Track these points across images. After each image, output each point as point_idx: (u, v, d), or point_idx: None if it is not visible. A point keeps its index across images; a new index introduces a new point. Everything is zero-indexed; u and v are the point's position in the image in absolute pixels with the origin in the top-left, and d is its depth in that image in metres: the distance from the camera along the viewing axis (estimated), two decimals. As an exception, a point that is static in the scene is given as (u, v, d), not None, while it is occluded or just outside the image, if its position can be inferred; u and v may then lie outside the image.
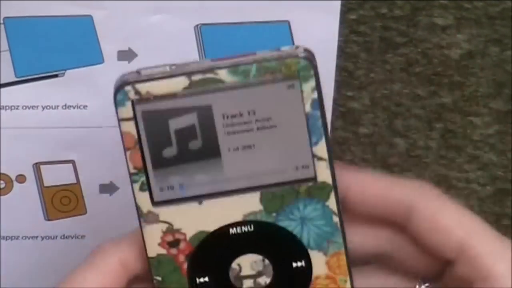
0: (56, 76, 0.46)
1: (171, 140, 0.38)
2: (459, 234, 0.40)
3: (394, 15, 0.48)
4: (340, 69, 0.48)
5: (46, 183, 0.48)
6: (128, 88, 0.37)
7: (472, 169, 0.51)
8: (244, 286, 0.40)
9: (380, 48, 0.48)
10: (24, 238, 0.49)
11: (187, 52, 0.46)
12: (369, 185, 0.40)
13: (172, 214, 0.39)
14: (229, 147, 0.38)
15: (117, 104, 0.38)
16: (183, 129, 0.38)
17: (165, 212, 0.39)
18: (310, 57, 0.37)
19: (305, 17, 0.46)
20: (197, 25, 0.46)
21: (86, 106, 0.47)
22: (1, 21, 0.45)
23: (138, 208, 0.38)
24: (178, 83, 0.37)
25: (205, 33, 0.46)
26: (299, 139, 0.38)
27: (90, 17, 0.45)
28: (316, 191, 0.39)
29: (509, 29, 0.48)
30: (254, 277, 0.40)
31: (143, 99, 0.37)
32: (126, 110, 0.37)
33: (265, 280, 0.40)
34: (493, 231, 0.40)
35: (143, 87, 0.37)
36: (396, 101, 0.49)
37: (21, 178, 0.48)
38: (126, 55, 0.46)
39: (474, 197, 0.51)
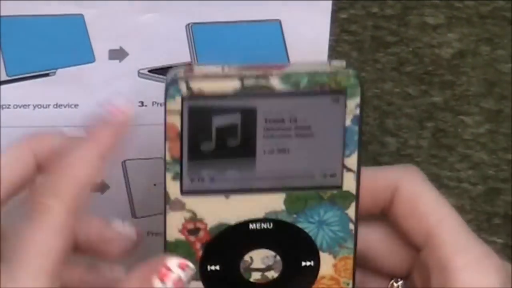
0: (47, 75, 0.46)
1: (211, 136, 0.40)
2: (430, 221, 0.41)
3: (385, 14, 0.48)
4: (331, 68, 0.48)
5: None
6: (181, 83, 0.39)
7: (463, 168, 0.51)
8: (252, 277, 0.42)
9: (371, 47, 0.48)
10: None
11: (179, 51, 0.46)
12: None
13: (198, 204, 0.41)
14: (264, 149, 0.40)
15: (167, 96, 0.39)
16: (225, 127, 0.40)
17: (191, 202, 0.40)
18: (359, 76, 0.39)
19: (296, 16, 0.46)
20: (188, 24, 0.46)
21: (77, 105, 0.46)
22: (-8, 20, 0.45)
23: (166, 194, 0.40)
24: (230, 85, 0.39)
25: (196, 32, 0.46)
26: (333, 148, 0.40)
27: (81, 16, 0.45)
28: (339, 199, 0.41)
29: (500, 28, 0.48)
30: (263, 270, 0.42)
31: (193, 95, 0.38)
32: (175, 103, 0.39)
33: (272, 274, 0.42)
34: (464, 224, 0.41)
35: (196, 85, 0.38)
36: (387, 100, 0.49)
37: (12, 177, 0.48)
38: (118, 54, 0.46)
39: (466, 196, 0.51)
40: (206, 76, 0.39)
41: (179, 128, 0.39)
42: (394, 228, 0.42)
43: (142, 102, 0.47)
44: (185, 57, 0.46)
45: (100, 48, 0.46)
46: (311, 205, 0.41)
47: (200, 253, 0.41)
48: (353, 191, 0.41)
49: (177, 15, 0.45)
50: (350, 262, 0.42)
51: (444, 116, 0.50)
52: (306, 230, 0.41)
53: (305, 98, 0.39)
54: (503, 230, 0.52)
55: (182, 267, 0.39)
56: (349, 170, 0.40)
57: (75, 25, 0.45)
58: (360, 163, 0.40)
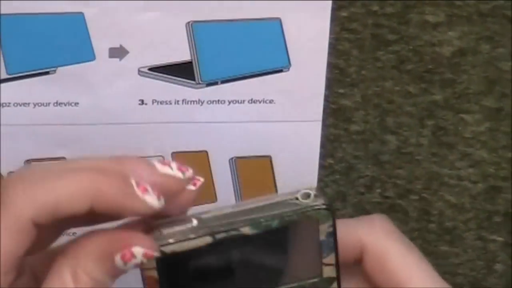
0: (47, 73, 0.46)
1: (190, 282, 0.40)
2: (400, 278, 0.42)
3: (386, 13, 0.48)
4: (332, 67, 0.48)
5: (37, 180, 0.48)
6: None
7: (464, 166, 0.51)
8: None
9: (371, 45, 0.48)
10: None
11: (179, 49, 0.46)
12: None
13: None
14: (243, 282, 0.41)
15: None
16: (203, 274, 0.40)
17: None
18: (329, 206, 0.40)
19: (296, 14, 0.46)
20: (188, 22, 0.46)
21: (78, 103, 0.47)
22: (-8, 18, 0.45)
23: None
24: (202, 241, 0.39)
25: (196, 30, 0.46)
26: (311, 257, 0.41)
27: (81, 14, 0.45)
28: (321, 283, 0.41)
29: (501, 26, 0.48)
30: None
31: (166, 256, 0.39)
32: (150, 262, 0.39)
33: None
34: (435, 275, 0.43)
35: (168, 249, 0.39)
36: (387, 98, 0.49)
37: (12, 175, 0.48)
38: (118, 52, 0.46)
39: (466, 194, 0.51)
40: (178, 240, 0.39)
41: (157, 278, 0.40)
42: (367, 280, 0.42)
43: (142, 100, 0.47)
44: (186, 55, 0.46)
45: (101, 46, 0.46)
46: None
47: None
48: (334, 275, 0.41)
49: (178, 13, 0.45)
50: None
51: (444, 114, 0.50)
52: None
53: (279, 234, 0.40)
54: (503, 228, 0.52)
55: (146, 257, 0.38)
56: (328, 265, 0.41)
57: (75, 24, 0.45)
58: (338, 257, 0.41)
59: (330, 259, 0.41)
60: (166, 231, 0.39)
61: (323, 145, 0.49)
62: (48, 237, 0.39)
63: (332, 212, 0.40)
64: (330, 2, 0.46)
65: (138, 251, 0.37)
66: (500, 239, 0.52)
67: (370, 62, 0.49)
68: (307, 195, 0.40)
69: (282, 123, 0.48)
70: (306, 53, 0.46)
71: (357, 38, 0.48)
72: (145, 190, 0.37)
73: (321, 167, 0.50)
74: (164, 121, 0.48)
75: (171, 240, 0.39)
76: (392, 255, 0.42)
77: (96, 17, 0.45)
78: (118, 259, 0.37)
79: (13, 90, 0.46)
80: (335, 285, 0.41)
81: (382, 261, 0.42)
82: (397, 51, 0.48)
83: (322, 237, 0.41)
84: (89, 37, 0.45)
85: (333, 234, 0.40)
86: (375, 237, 0.42)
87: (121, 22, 0.45)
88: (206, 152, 0.49)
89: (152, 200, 0.37)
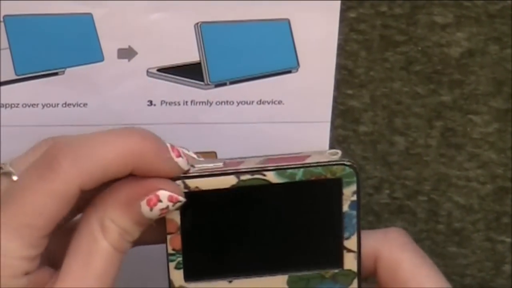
0: (56, 74, 0.46)
1: (211, 227, 0.41)
2: (411, 286, 0.42)
3: (394, 13, 0.48)
4: (340, 67, 0.48)
5: (46, 181, 0.48)
6: (178, 182, 0.39)
7: (472, 167, 0.51)
8: None
9: (380, 46, 0.48)
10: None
11: (187, 50, 0.46)
12: None
13: None
14: (265, 236, 0.41)
15: None
16: (224, 219, 0.41)
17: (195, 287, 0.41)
18: (353, 165, 0.40)
19: (305, 15, 0.46)
20: (197, 23, 0.46)
21: (86, 104, 0.47)
22: (1, 19, 0.45)
23: (170, 282, 0.41)
24: (227, 181, 0.40)
25: (205, 31, 0.46)
26: (332, 232, 0.41)
27: (90, 15, 0.45)
28: (341, 277, 0.41)
29: (509, 27, 0.48)
30: None
31: (191, 192, 0.39)
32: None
33: None
34: (444, 282, 0.42)
35: (193, 183, 0.40)
36: (396, 99, 0.49)
37: (21, 176, 0.48)
38: (126, 53, 0.46)
39: (474, 195, 0.51)
40: (203, 174, 0.40)
41: (179, 223, 0.40)
42: None
43: (150, 101, 0.47)
44: (194, 56, 0.46)
45: (109, 47, 0.46)
46: (313, 283, 0.41)
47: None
48: (355, 269, 0.41)
49: (186, 14, 0.45)
50: None
51: (452, 115, 0.50)
52: None
53: (303, 188, 0.40)
54: (512, 229, 0.52)
55: (171, 200, 0.39)
56: (349, 251, 0.41)
57: (84, 25, 0.45)
58: (360, 243, 0.41)
59: (352, 242, 0.41)
60: (197, 165, 0.40)
61: (331, 147, 0.49)
62: (76, 208, 0.39)
63: (357, 174, 0.40)
64: (339, 2, 0.46)
65: (164, 194, 0.38)
66: (508, 240, 0.52)
67: (378, 63, 0.49)
68: (335, 153, 0.41)
69: (290, 124, 0.48)
70: (314, 54, 0.46)
71: (366, 39, 0.48)
72: (179, 154, 0.39)
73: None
74: (173, 122, 0.48)
75: (196, 174, 0.39)
76: (405, 265, 0.42)
77: (105, 18, 0.45)
78: (144, 205, 0.38)
79: (22, 91, 0.46)
80: (355, 284, 0.41)
81: (395, 271, 0.42)
82: (406, 52, 0.48)
83: (345, 207, 0.40)
84: (97, 38, 0.45)
85: (357, 206, 0.40)
86: (389, 248, 0.43)
87: (129, 23, 0.45)
88: (215, 153, 0.49)
89: (183, 163, 0.39)
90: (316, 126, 0.48)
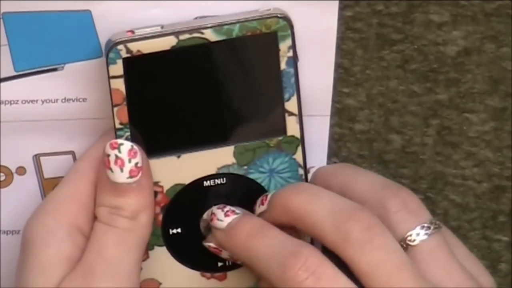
0: (55, 70, 0.47)
1: (156, 95, 0.41)
2: None
3: (390, 12, 0.48)
4: (336, 66, 0.48)
5: (46, 175, 0.48)
6: (120, 47, 0.40)
7: (468, 166, 0.51)
8: None
9: (376, 45, 0.49)
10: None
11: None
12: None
13: (152, 167, 0.41)
14: (209, 103, 0.41)
15: (108, 62, 0.41)
16: (167, 85, 0.41)
17: None
18: (287, 18, 0.41)
19: (303, 14, 0.46)
20: (195, 18, 0.46)
21: (86, 99, 0.47)
22: (0, 16, 0.45)
23: None
24: (167, 42, 0.40)
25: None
26: (273, 95, 0.41)
27: (88, 12, 0.45)
28: (285, 144, 0.42)
29: (505, 26, 0.48)
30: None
31: (133, 57, 0.39)
32: (117, 68, 0.40)
33: None
34: None
35: (134, 46, 0.40)
36: (392, 97, 0.50)
37: (21, 170, 0.48)
38: (125, 49, 0.47)
39: (471, 194, 0.51)
40: (143, 37, 0.40)
41: (124, 93, 0.40)
42: None
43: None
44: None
45: (107, 43, 0.46)
46: (259, 154, 0.42)
47: (160, 217, 0.42)
48: (298, 135, 0.42)
49: (184, 10, 0.45)
50: None
51: (449, 114, 0.50)
52: (258, 181, 0.42)
53: (239, 46, 0.41)
54: (508, 228, 0.52)
55: (113, 147, 0.41)
56: (291, 114, 0.42)
57: (83, 21, 0.46)
58: (300, 106, 0.41)
59: (292, 104, 0.41)
60: (137, 31, 0.41)
61: (328, 144, 0.49)
62: None
63: (291, 27, 0.41)
64: (337, 3, 0.47)
65: (107, 149, 0.42)
66: (505, 238, 0.52)
67: (374, 61, 0.49)
68: (268, 9, 0.42)
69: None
70: (314, 49, 0.46)
71: (362, 37, 0.48)
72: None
73: (326, 166, 0.50)
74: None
75: (136, 37, 0.40)
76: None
77: (103, 13, 0.45)
78: (107, 173, 0.42)
79: (21, 87, 0.47)
80: (299, 152, 0.41)
81: None
82: (402, 51, 0.49)
83: (283, 65, 0.41)
84: (96, 34, 0.46)
85: (294, 63, 0.41)
86: None
87: (128, 19, 0.45)
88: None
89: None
90: (316, 120, 0.48)
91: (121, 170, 0.40)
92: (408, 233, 0.42)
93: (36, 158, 0.48)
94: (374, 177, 0.45)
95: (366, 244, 0.39)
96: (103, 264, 0.40)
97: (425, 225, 0.42)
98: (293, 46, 0.41)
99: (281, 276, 0.38)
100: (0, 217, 0.49)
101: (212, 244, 0.41)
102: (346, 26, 0.48)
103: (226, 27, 0.40)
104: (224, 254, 0.41)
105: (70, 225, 0.42)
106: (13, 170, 0.48)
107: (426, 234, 0.42)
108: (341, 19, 0.48)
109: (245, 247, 0.40)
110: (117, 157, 0.40)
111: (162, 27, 0.41)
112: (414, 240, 0.41)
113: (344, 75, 0.49)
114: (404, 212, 0.42)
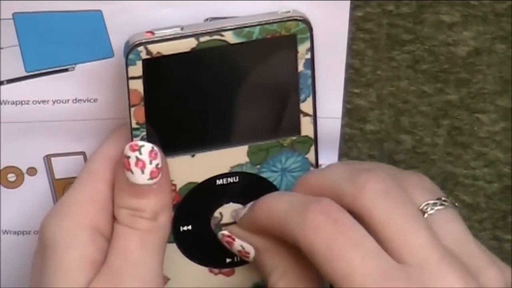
0: (66, 70, 0.47)
1: (173, 97, 0.41)
2: None
3: (401, 12, 0.48)
4: (347, 66, 0.48)
5: (57, 176, 0.48)
6: (140, 48, 0.40)
7: (479, 166, 0.51)
8: None
9: (386, 45, 0.49)
10: (36, 232, 0.49)
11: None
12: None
13: None
14: (226, 104, 0.42)
15: (128, 63, 0.41)
16: (185, 86, 0.41)
17: None
18: (307, 21, 0.42)
19: (314, 14, 0.46)
20: (206, 19, 0.46)
21: (97, 99, 0.47)
22: (11, 16, 0.45)
23: None
24: (187, 44, 0.40)
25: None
26: (289, 96, 0.42)
27: (99, 12, 0.45)
28: (299, 144, 0.43)
29: (516, 26, 0.48)
30: (233, 224, 0.43)
31: (153, 58, 0.39)
32: (136, 69, 0.40)
33: None
34: None
35: (155, 48, 0.40)
36: (402, 98, 0.50)
37: (31, 171, 0.48)
38: (135, 50, 0.47)
39: (481, 194, 0.51)
40: (163, 39, 0.40)
41: (142, 93, 0.41)
42: None
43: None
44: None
45: (119, 43, 0.46)
46: (273, 154, 0.42)
47: (172, 215, 0.42)
48: (311, 135, 0.42)
49: (195, 10, 0.45)
50: None
51: (459, 114, 0.50)
52: (270, 180, 0.43)
53: (259, 48, 0.41)
54: (519, 228, 0.52)
55: (133, 149, 0.41)
56: (305, 114, 0.42)
57: (93, 21, 0.46)
58: (315, 107, 0.42)
59: (307, 105, 0.42)
60: (157, 32, 0.41)
61: (339, 144, 0.49)
62: None
63: (311, 30, 0.41)
64: (348, 3, 0.46)
65: (126, 151, 0.41)
66: (515, 239, 0.52)
67: (385, 62, 0.49)
68: (287, 12, 0.42)
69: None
70: (325, 50, 0.46)
71: (372, 38, 0.48)
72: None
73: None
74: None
75: (156, 39, 0.40)
76: None
77: (114, 14, 0.45)
78: (126, 173, 0.42)
79: (32, 88, 0.47)
80: (312, 152, 0.42)
81: None
82: (412, 51, 0.49)
83: (300, 66, 0.41)
84: (107, 34, 0.46)
85: (311, 65, 0.41)
86: None
87: (139, 19, 0.45)
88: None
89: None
90: (327, 121, 0.48)
91: (142, 172, 0.40)
92: (425, 203, 0.42)
93: (47, 158, 0.48)
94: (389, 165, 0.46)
95: (382, 193, 0.40)
96: (129, 268, 0.40)
97: (443, 198, 0.43)
98: (311, 49, 0.41)
99: (302, 221, 0.39)
100: (9, 218, 0.49)
101: (226, 232, 0.42)
102: (356, 27, 0.48)
103: (246, 29, 0.41)
104: (237, 245, 0.42)
105: (91, 227, 0.42)
106: (24, 171, 0.48)
107: (442, 205, 0.42)
108: (352, 19, 0.48)
109: (268, 210, 0.41)
110: (138, 159, 0.40)
111: (182, 28, 0.41)
112: (431, 209, 0.42)
113: (354, 75, 0.49)
114: (421, 187, 0.43)
